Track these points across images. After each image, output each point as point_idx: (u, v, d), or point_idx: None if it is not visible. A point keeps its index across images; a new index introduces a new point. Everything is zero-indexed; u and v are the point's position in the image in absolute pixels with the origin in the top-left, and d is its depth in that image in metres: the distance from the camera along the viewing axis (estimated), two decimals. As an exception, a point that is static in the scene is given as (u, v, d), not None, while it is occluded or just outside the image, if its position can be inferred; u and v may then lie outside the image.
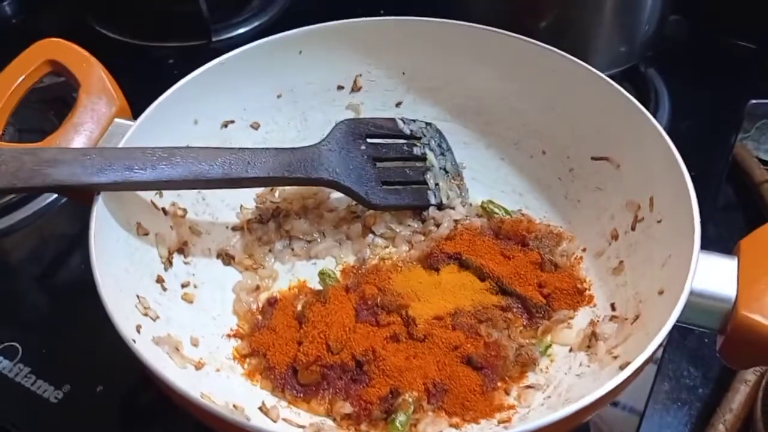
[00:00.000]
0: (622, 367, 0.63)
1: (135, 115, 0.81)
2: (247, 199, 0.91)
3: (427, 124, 0.94)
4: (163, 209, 0.81)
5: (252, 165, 0.77)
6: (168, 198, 0.82)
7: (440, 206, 0.90)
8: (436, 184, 0.90)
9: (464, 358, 0.73)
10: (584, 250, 0.85)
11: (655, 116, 0.77)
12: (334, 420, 0.71)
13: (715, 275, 0.64)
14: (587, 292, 0.81)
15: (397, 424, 0.68)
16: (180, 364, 0.70)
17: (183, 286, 0.80)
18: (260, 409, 0.70)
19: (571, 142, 0.88)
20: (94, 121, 0.80)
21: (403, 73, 0.95)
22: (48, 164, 0.68)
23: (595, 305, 0.79)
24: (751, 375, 0.86)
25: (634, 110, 0.78)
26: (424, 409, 0.70)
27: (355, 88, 0.96)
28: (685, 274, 0.63)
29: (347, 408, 0.70)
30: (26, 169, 0.68)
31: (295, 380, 0.73)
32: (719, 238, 1.04)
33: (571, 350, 0.76)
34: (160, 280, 0.77)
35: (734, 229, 1.09)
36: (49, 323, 0.91)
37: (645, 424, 0.83)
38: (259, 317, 0.81)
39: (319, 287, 0.84)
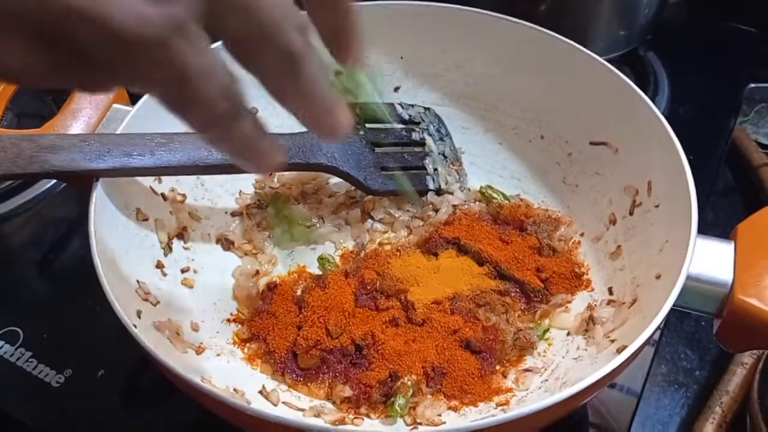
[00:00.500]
0: (619, 351, 0.64)
1: (132, 101, 0.81)
2: (246, 184, 0.91)
3: (426, 109, 0.94)
4: (162, 195, 0.81)
5: (251, 150, 0.77)
6: (167, 184, 0.82)
7: (439, 191, 0.90)
8: (435, 169, 0.90)
9: (463, 342, 0.74)
10: (582, 234, 0.85)
11: (654, 100, 0.77)
12: (334, 403, 0.72)
13: (712, 259, 0.65)
14: (585, 276, 0.81)
15: (396, 407, 0.69)
16: (180, 348, 0.70)
17: (183, 271, 0.80)
18: (260, 392, 0.71)
19: (570, 127, 0.89)
20: (93, 107, 0.80)
21: (402, 58, 0.95)
22: (47, 150, 0.69)
23: (592, 289, 0.80)
24: (748, 357, 0.87)
25: (632, 95, 0.78)
26: (422, 393, 0.71)
27: (354, 73, 0.95)
28: (682, 258, 0.63)
29: (347, 391, 0.71)
30: (25, 156, 0.68)
31: (295, 364, 0.74)
32: (717, 222, 1.05)
33: (568, 334, 0.77)
34: (159, 265, 0.78)
35: (732, 213, 1.09)
36: (49, 308, 0.92)
37: (642, 405, 0.84)
38: (259, 302, 0.81)
39: (318, 272, 0.85)
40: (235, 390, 0.69)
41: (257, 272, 0.84)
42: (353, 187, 0.88)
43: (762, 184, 1.09)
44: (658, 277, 0.68)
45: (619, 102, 0.80)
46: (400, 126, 0.90)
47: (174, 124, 0.80)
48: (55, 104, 1.14)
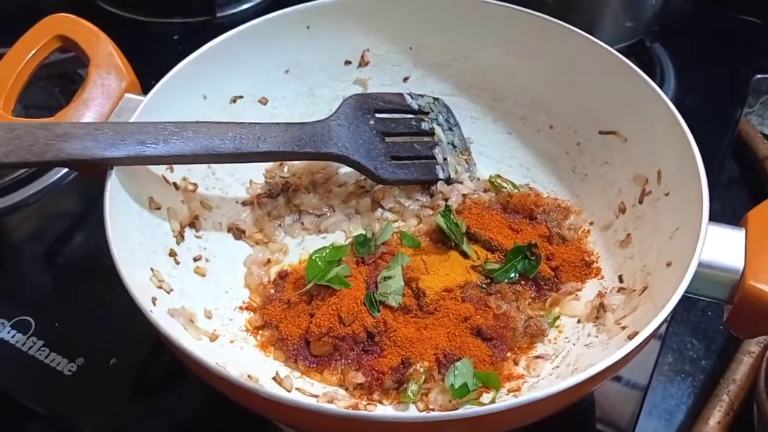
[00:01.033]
0: (630, 337, 0.64)
1: (143, 91, 0.81)
2: (256, 174, 0.92)
3: (435, 99, 0.94)
4: (175, 184, 0.82)
5: (263, 140, 0.77)
6: (179, 173, 0.83)
7: (448, 181, 0.90)
8: (444, 159, 0.91)
9: (474, 329, 0.74)
10: (591, 223, 0.86)
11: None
12: (347, 390, 0.73)
13: (722, 246, 0.65)
14: (595, 264, 0.82)
15: (409, 393, 0.70)
16: (195, 335, 0.71)
17: (195, 259, 0.81)
18: (274, 379, 0.72)
19: (579, 116, 0.89)
20: (105, 96, 0.80)
21: (411, 48, 0.95)
22: (61, 139, 0.69)
23: (602, 277, 0.80)
24: (754, 346, 0.87)
25: (642, 83, 0.79)
26: (434, 379, 0.71)
27: (363, 63, 0.96)
28: (694, 245, 0.63)
29: (359, 378, 0.71)
30: (40, 144, 0.68)
31: (307, 351, 0.74)
32: (723, 213, 1.05)
33: (579, 321, 0.77)
34: (172, 253, 0.78)
35: (738, 204, 1.09)
36: (61, 297, 0.92)
37: (649, 395, 0.84)
38: (271, 290, 0.81)
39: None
40: (249, 376, 0.69)
41: (269, 261, 0.85)
42: (363, 177, 0.88)
43: (768, 175, 1.10)
44: (668, 264, 0.68)
45: (629, 91, 0.80)
46: (410, 116, 0.91)
47: (185, 114, 0.82)
48: (62, 95, 1.14)
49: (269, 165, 0.93)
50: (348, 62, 0.96)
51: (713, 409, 0.83)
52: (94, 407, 0.81)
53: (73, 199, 1.05)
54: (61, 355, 0.84)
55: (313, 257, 0.79)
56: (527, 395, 0.56)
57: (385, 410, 0.70)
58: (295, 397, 0.69)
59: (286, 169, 0.93)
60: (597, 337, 0.73)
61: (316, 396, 0.71)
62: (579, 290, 0.80)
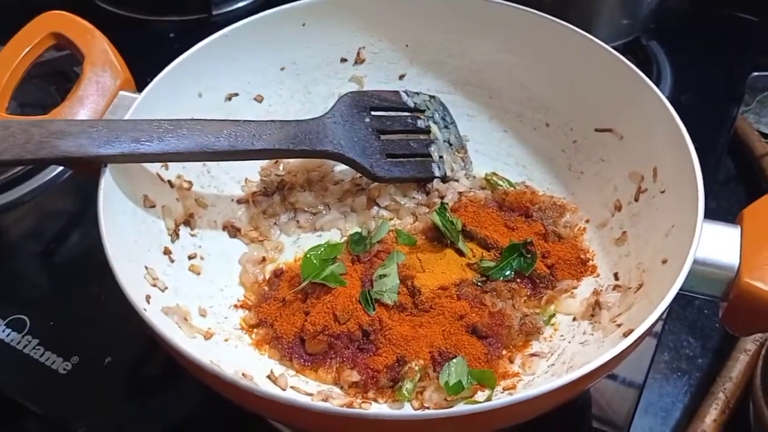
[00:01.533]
0: (625, 335, 0.64)
1: (138, 89, 0.81)
2: (251, 172, 0.91)
3: (431, 96, 0.94)
4: (169, 182, 0.82)
5: (258, 137, 0.77)
6: (174, 170, 0.82)
7: (444, 178, 0.90)
8: (440, 157, 0.91)
9: (469, 327, 0.74)
10: (587, 221, 0.86)
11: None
12: (342, 388, 0.72)
13: (718, 244, 0.65)
14: (590, 262, 0.81)
15: (404, 392, 0.69)
16: (189, 333, 0.71)
17: (190, 257, 0.80)
18: (269, 377, 0.71)
19: (575, 113, 0.89)
20: (99, 94, 0.80)
21: (407, 46, 0.95)
22: (56, 136, 0.68)
23: (598, 275, 0.80)
24: (750, 344, 0.87)
25: (637, 81, 0.79)
26: (430, 377, 0.71)
27: (359, 61, 0.96)
28: (689, 242, 0.63)
29: (354, 376, 0.71)
30: (34, 141, 0.68)
31: (302, 349, 0.74)
32: (719, 212, 1.05)
33: (574, 319, 0.77)
34: (167, 251, 0.78)
35: (735, 202, 1.10)
36: (56, 296, 0.92)
37: (645, 393, 0.84)
38: (266, 288, 0.81)
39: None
40: (243, 375, 0.69)
41: (264, 259, 0.85)
42: (359, 175, 0.88)
43: (764, 174, 1.10)
44: (664, 261, 0.68)
45: (625, 88, 0.80)
46: (406, 114, 0.90)
47: (180, 112, 0.82)
48: (58, 93, 1.14)
49: (265, 163, 0.92)
50: (344, 60, 0.95)
51: (709, 407, 0.83)
52: (89, 406, 0.81)
53: (68, 198, 1.04)
54: (56, 354, 0.84)
55: (309, 255, 0.79)
56: (522, 393, 0.56)
57: (380, 408, 0.70)
58: (289, 395, 0.69)
59: (281, 167, 0.93)
60: (592, 334, 0.73)
61: (310, 394, 0.71)
62: (574, 288, 0.79)
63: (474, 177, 0.92)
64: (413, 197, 0.90)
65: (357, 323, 0.74)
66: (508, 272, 0.79)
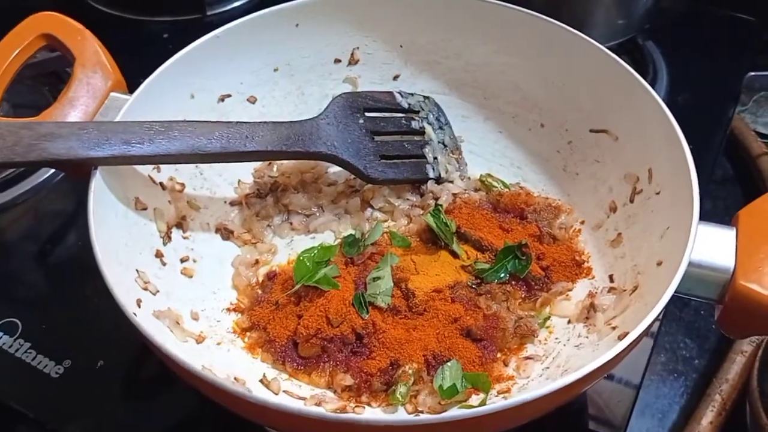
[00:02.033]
0: (620, 338, 0.63)
1: (130, 90, 0.80)
2: (245, 173, 0.91)
3: (425, 97, 0.93)
4: (161, 184, 0.81)
5: (250, 139, 0.76)
6: (166, 172, 0.82)
7: (439, 180, 0.90)
8: (435, 158, 0.90)
9: (463, 330, 0.74)
10: (582, 222, 0.85)
11: (652, 89, 0.77)
12: (335, 392, 0.72)
13: (713, 246, 0.65)
14: (585, 264, 0.81)
15: (398, 395, 0.69)
16: (181, 337, 0.70)
17: (182, 260, 0.80)
18: (261, 381, 0.71)
19: (570, 114, 0.88)
20: (90, 95, 0.79)
21: (401, 46, 0.95)
22: (45, 138, 0.68)
23: (593, 277, 0.80)
24: (747, 345, 0.87)
25: (633, 82, 0.78)
26: (424, 381, 0.70)
27: (353, 61, 0.95)
28: (684, 244, 0.63)
29: (348, 380, 0.71)
30: (23, 144, 0.67)
31: (295, 353, 0.74)
32: (716, 212, 1.05)
33: (569, 322, 0.77)
34: (159, 254, 0.77)
35: (731, 202, 1.09)
36: (48, 299, 0.92)
37: (642, 395, 0.84)
38: (259, 291, 0.81)
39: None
40: (235, 379, 0.69)
41: (257, 261, 0.84)
42: (353, 176, 0.88)
43: (761, 174, 1.09)
44: (659, 263, 0.68)
45: (620, 89, 0.80)
46: (400, 114, 0.90)
47: (172, 113, 0.81)
48: (51, 94, 1.13)
49: (258, 164, 0.92)
50: (338, 60, 0.95)
51: (706, 408, 0.83)
52: (82, 410, 0.80)
53: (61, 200, 1.04)
54: (48, 358, 0.83)
55: (302, 258, 0.78)
56: (517, 397, 0.55)
57: (373, 412, 0.69)
58: (281, 400, 0.68)
59: (275, 169, 0.92)
60: (587, 337, 0.72)
61: (303, 398, 0.70)
62: (570, 290, 0.79)
63: (469, 178, 0.92)
64: (407, 199, 0.89)
65: (350, 326, 0.73)
66: (502, 274, 0.78)
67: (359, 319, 0.73)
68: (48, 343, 0.85)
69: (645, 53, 1.22)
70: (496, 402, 0.67)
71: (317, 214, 0.89)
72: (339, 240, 0.86)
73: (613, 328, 0.69)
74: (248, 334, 0.77)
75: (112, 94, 0.80)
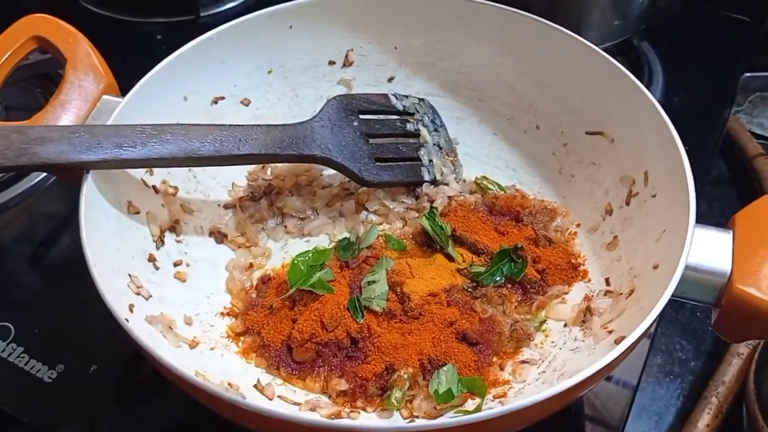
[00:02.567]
0: (617, 342, 0.63)
1: (123, 92, 0.80)
2: (238, 176, 0.90)
3: (420, 99, 0.93)
4: (154, 187, 0.80)
5: (243, 142, 0.76)
6: (159, 176, 0.81)
7: (434, 182, 0.89)
8: (430, 161, 0.90)
9: (459, 334, 0.73)
10: (578, 225, 0.85)
11: (648, 90, 0.76)
12: (330, 397, 0.71)
13: (710, 249, 0.64)
14: (582, 267, 0.81)
15: (393, 400, 0.68)
16: (174, 342, 0.70)
17: (175, 264, 0.79)
18: (255, 386, 0.70)
19: (565, 116, 0.88)
20: (82, 98, 0.79)
21: (396, 48, 0.94)
22: (36, 142, 0.67)
23: (589, 280, 0.79)
24: (743, 348, 0.87)
25: (628, 84, 0.78)
26: (419, 385, 0.70)
27: (347, 63, 0.95)
28: (680, 248, 0.63)
29: (343, 385, 0.70)
30: (14, 148, 0.67)
31: (290, 358, 0.73)
32: (712, 213, 1.05)
33: (565, 325, 0.76)
34: (152, 258, 0.77)
35: (727, 203, 1.09)
36: (41, 303, 0.91)
37: (638, 397, 0.84)
38: (253, 295, 0.80)
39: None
40: (229, 384, 0.68)
41: (251, 265, 0.84)
42: (347, 179, 0.87)
43: (757, 174, 1.09)
44: (655, 267, 0.68)
45: (616, 91, 0.80)
46: (395, 117, 0.90)
47: (165, 116, 0.81)
48: (43, 97, 1.12)
49: (252, 167, 0.91)
50: (332, 62, 0.94)
51: (702, 411, 0.82)
52: (75, 414, 0.80)
53: (54, 203, 1.03)
54: (41, 362, 0.83)
55: (296, 261, 0.78)
56: (513, 404, 0.55)
57: (368, 418, 0.69)
58: (275, 407, 0.67)
59: (269, 172, 0.91)
60: (584, 341, 0.72)
61: (298, 404, 0.70)
62: (566, 293, 0.79)
63: (464, 181, 0.91)
64: (402, 201, 0.89)
65: (345, 331, 0.72)
66: (498, 278, 0.78)
67: (354, 323, 0.73)
68: (41, 347, 0.84)
69: (640, 54, 1.21)
70: (492, 407, 0.67)
71: (312, 217, 0.88)
72: (334, 243, 0.86)
73: (610, 331, 0.69)
74: (242, 338, 0.76)
75: (104, 96, 0.80)
